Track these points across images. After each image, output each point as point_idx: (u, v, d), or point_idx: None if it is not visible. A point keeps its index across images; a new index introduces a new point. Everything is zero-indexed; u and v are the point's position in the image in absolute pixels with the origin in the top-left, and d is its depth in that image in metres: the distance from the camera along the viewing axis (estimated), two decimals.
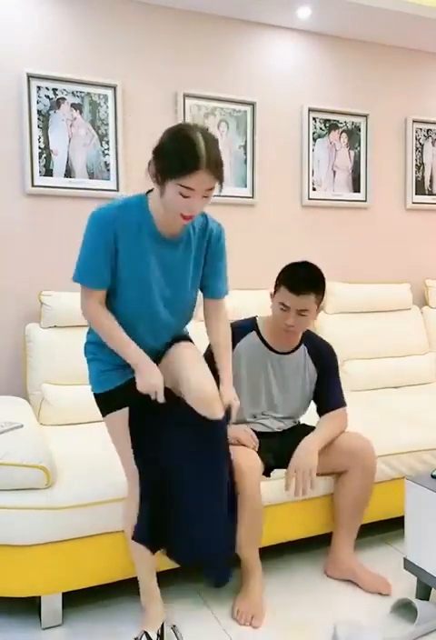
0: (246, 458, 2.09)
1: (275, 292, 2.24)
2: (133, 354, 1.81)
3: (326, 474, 2.30)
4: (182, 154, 1.63)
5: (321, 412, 2.36)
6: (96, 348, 1.92)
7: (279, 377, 2.32)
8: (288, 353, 2.33)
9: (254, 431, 2.24)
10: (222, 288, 2.01)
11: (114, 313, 1.83)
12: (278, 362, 2.32)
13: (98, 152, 3.11)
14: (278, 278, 2.24)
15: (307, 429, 2.31)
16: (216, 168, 1.66)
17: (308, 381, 2.36)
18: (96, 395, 1.94)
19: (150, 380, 1.79)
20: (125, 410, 1.85)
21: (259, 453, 2.16)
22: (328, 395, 2.36)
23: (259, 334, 2.32)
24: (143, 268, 1.80)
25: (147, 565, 1.96)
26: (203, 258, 1.93)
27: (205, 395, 1.79)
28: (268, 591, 2.18)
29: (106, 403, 1.91)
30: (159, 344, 1.92)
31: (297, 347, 2.34)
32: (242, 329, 2.30)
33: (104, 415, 1.92)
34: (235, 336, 2.26)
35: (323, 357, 2.37)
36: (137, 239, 1.79)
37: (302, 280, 2.17)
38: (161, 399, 1.78)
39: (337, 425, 2.31)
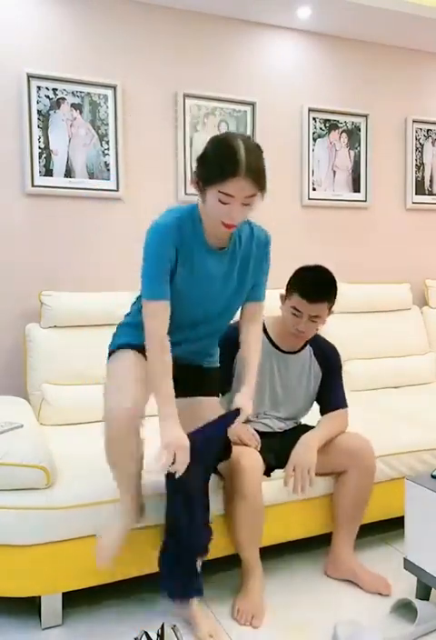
0: (248, 457, 2.09)
1: (287, 297, 2.23)
2: (167, 409, 1.76)
3: (326, 474, 2.30)
4: (221, 160, 1.65)
5: (323, 412, 2.37)
6: (131, 328, 1.95)
7: (284, 377, 2.33)
8: (294, 353, 2.34)
9: (256, 430, 2.24)
10: (261, 293, 2.02)
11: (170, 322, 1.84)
12: (284, 361, 2.32)
13: (98, 152, 3.11)
14: (290, 283, 2.22)
15: (308, 430, 2.31)
16: (256, 175, 1.65)
17: (312, 382, 2.36)
18: (113, 351, 1.95)
19: (171, 442, 1.73)
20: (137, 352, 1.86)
21: (260, 452, 2.16)
22: (330, 395, 2.36)
23: (266, 333, 2.32)
24: (195, 279, 1.83)
25: (129, 477, 1.88)
26: (249, 269, 1.93)
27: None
28: (268, 591, 2.18)
29: (121, 347, 1.91)
30: (198, 346, 1.99)
31: (303, 347, 2.35)
32: None
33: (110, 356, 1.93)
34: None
35: (329, 358, 2.38)
36: (192, 250, 1.81)
37: (316, 287, 2.16)
38: (180, 471, 1.75)
39: (337, 425, 2.31)
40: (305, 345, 2.36)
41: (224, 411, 2.05)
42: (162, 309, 1.77)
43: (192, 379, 2.02)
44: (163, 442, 1.73)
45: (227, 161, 1.64)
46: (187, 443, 1.76)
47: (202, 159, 1.72)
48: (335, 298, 2.23)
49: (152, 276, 1.77)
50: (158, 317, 1.77)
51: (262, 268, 1.99)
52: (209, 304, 1.90)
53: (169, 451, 1.72)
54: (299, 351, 2.34)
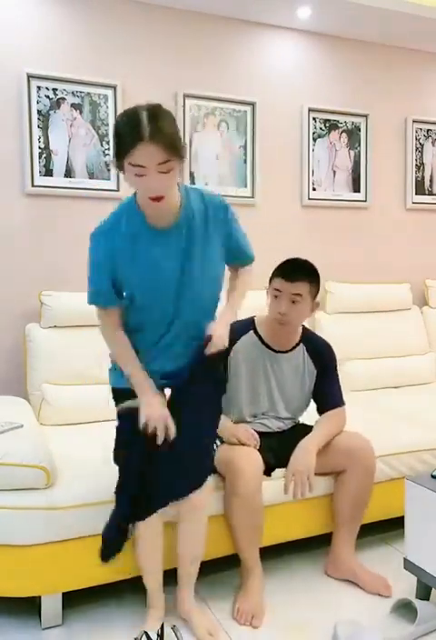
0: (247, 457, 2.09)
1: (269, 285, 2.26)
2: (139, 385, 1.80)
3: (325, 473, 2.30)
4: (124, 131, 1.57)
5: (320, 411, 2.36)
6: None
7: (278, 377, 2.32)
8: (286, 351, 2.32)
9: (255, 430, 2.24)
10: (244, 256, 1.95)
11: (140, 324, 1.82)
12: (277, 361, 2.31)
13: (98, 152, 3.11)
14: (273, 272, 2.25)
15: (307, 429, 2.31)
16: (163, 139, 1.55)
17: (307, 380, 2.35)
18: (113, 389, 1.93)
19: (152, 414, 1.77)
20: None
21: (260, 452, 2.16)
22: (327, 393, 2.35)
23: (257, 333, 2.32)
24: (150, 270, 1.75)
25: (152, 566, 1.98)
26: (211, 238, 1.81)
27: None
28: (268, 591, 2.18)
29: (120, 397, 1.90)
30: (189, 341, 1.85)
31: (296, 346, 2.34)
32: (240, 329, 2.29)
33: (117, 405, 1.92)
34: (233, 336, 2.27)
35: (323, 356, 2.36)
36: (134, 245, 1.74)
37: (295, 267, 2.20)
38: (160, 439, 1.77)
39: (335, 425, 2.31)
40: (298, 344, 2.34)
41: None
42: (104, 314, 1.83)
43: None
44: (144, 415, 1.77)
45: (129, 130, 1.56)
46: (166, 412, 1.79)
47: (113, 136, 1.64)
48: (318, 284, 2.23)
49: (91, 282, 1.81)
50: (104, 319, 1.84)
51: (230, 231, 1.86)
52: (173, 292, 1.77)
53: (150, 424, 1.76)
54: (292, 350, 2.33)
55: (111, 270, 1.76)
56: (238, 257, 1.94)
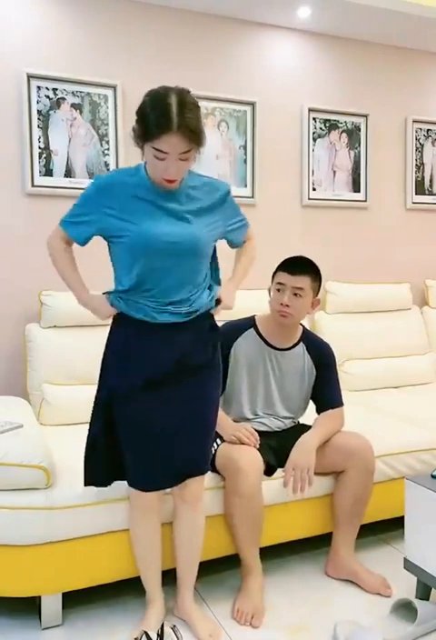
0: (247, 457, 2.09)
1: (272, 281, 2.30)
2: (77, 293, 1.91)
3: (325, 473, 2.31)
4: (153, 117, 1.64)
5: (319, 410, 2.37)
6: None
7: (277, 374, 2.33)
8: (287, 349, 2.33)
9: (255, 430, 2.24)
10: (242, 234, 2.02)
11: (139, 279, 1.80)
12: (277, 358, 2.32)
13: (98, 152, 3.11)
14: (276, 268, 2.30)
15: (306, 429, 2.31)
16: (189, 131, 1.63)
17: (307, 379, 2.36)
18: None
19: (98, 309, 1.86)
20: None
21: (260, 451, 2.16)
22: (326, 393, 2.36)
23: (257, 331, 2.33)
24: (145, 219, 1.76)
25: (150, 566, 1.98)
26: (210, 210, 1.86)
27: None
28: (268, 591, 2.18)
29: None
30: (184, 294, 1.84)
31: (296, 345, 2.35)
32: (240, 327, 2.32)
33: None
34: (234, 334, 2.31)
35: (322, 355, 2.37)
36: (134, 196, 1.78)
37: (298, 262, 2.26)
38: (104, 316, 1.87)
39: (334, 423, 2.32)
40: (298, 343, 2.35)
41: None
42: (62, 237, 1.91)
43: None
44: (88, 307, 1.89)
45: (159, 117, 1.62)
46: (102, 296, 1.87)
47: (138, 114, 1.71)
48: (319, 281, 2.29)
49: (73, 210, 1.86)
50: (59, 241, 1.92)
51: (228, 213, 1.92)
52: (169, 234, 1.77)
53: (94, 309, 1.88)
54: (292, 348, 2.34)
55: (98, 207, 1.79)
56: (235, 237, 2.00)
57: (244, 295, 3.08)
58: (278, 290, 2.25)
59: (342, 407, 2.36)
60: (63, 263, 1.92)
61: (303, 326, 2.39)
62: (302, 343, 2.36)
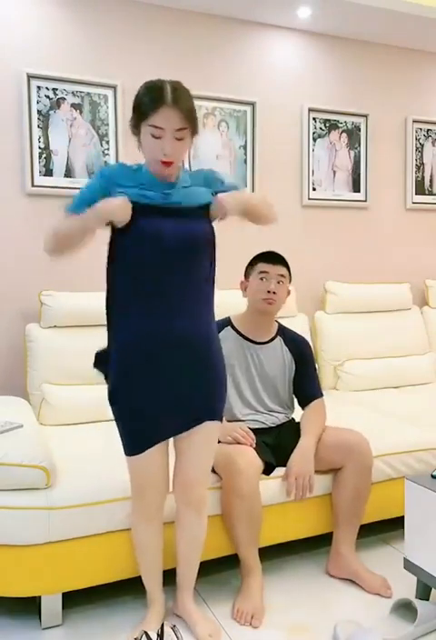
0: (244, 457, 2.10)
1: (250, 273, 2.36)
2: (83, 214, 1.73)
3: (323, 471, 2.31)
4: (148, 95, 1.71)
5: (302, 403, 2.42)
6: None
7: (259, 368, 2.37)
8: (265, 343, 2.38)
9: (249, 428, 2.25)
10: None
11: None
12: (256, 352, 2.37)
13: (98, 152, 3.11)
14: (248, 265, 2.39)
15: (300, 425, 2.35)
16: (183, 106, 1.69)
17: (287, 372, 2.41)
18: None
19: (110, 206, 1.70)
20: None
21: (257, 451, 2.17)
22: (307, 386, 2.42)
23: (234, 328, 2.38)
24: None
25: (151, 567, 1.97)
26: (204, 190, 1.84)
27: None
28: (268, 591, 2.18)
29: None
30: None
31: (273, 338, 2.40)
32: (217, 327, 2.30)
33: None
34: None
35: (299, 346, 2.44)
36: (135, 187, 1.76)
37: (273, 254, 2.36)
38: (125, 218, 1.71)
39: (321, 419, 2.36)
40: (275, 337, 2.40)
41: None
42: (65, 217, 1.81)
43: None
44: (95, 214, 1.71)
45: (153, 94, 1.70)
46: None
47: (134, 102, 1.76)
48: (290, 275, 2.39)
49: (78, 197, 1.78)
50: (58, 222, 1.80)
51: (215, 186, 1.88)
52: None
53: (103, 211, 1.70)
54: (269, 342, 2.39)
55: (104, 190, 1.75)
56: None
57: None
58: (262, 279, 2.31)
59: (323, 398, 2.41)
60: (64, 225, 1.79)
61: (278, 322, 2.46)
62: (279, 337, 2.42)
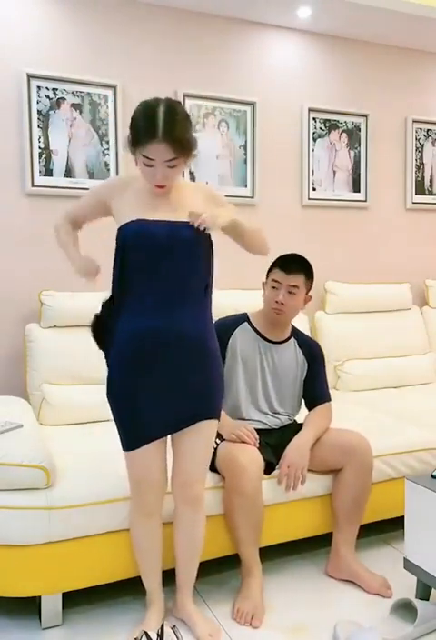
0: (248, 456, 2.10)
1: (267, 277, 2.37)
2: (70, 253, 1.96)
3: (323, 471, 2.31)
4: (141, 125, 1.72)
5: (309, 405, 2.42)
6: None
7: (272, 367, 2.37)
8: (280, 343, 2.38)
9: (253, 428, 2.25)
10: None
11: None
12: (270, 351, 2.37)
13: (98, 152, 3.11)
14: (270, 266, 2.37)
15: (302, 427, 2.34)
16: (174, 140, 1.69)
17: (299, 372, 2.41)
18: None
19: (85, 267, 1.89)
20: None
21: (260, 450, 2.17)
22: (317, 388, 2.42)
23: (251, 325, 2.39)
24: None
25: (151, 567, 1.97)
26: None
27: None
28: (268, 591, 2.18)
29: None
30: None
31: (288, 339, 2.41)
32: (235, 320, 2.40)
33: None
34: (230, 328, 2.36)
35: (312, 348, 2.46)
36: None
37: (293, 261, 2.33)
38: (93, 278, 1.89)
39: (325, 421, 2.36)
40: (290, 338, 2.41)
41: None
42: (68, 216, 2.06)
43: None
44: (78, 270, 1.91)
45: (147, 126, 1.70)
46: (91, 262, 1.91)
47: (130, 123, 1.78)
48: (312, 279, 2.36)
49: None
50: (62, 219, 2.06)
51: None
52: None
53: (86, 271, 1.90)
54: (285, 341, 2.40)
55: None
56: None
57: (243, 295, 3.11)
58: (273, 287, 2.32)
59: (331, 403, 2.40)
60: (64, 233, 2.01)
61: (292, 325, 2.46)
62: (293, 338, 2.43)
